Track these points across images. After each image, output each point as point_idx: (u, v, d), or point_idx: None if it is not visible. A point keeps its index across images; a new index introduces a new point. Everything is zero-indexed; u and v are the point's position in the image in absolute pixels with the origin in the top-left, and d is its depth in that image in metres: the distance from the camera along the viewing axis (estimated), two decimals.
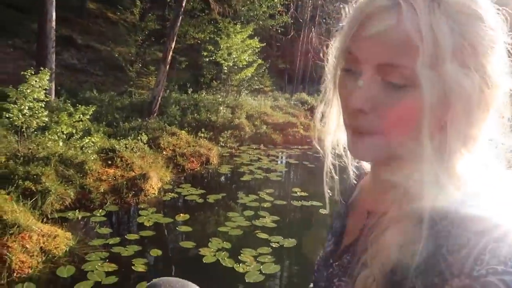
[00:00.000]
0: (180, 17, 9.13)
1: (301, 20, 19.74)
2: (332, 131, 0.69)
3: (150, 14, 11.79)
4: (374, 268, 0.52)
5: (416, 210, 0.50)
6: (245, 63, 11.06)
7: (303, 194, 6.40)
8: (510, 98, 0.54)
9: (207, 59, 11.19)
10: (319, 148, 0.72)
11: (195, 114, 9.87)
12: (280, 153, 9.55)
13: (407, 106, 0.51)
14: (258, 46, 11.46)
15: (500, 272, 0.42)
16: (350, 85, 0.56)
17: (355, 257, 0.60)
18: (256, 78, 13.27)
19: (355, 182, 0.76)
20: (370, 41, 0.52)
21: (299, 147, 10.17)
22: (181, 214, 5.16)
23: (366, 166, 0.77)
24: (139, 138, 7.04)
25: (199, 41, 11.27)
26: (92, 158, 5.67)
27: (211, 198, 5.89)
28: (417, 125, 0.51)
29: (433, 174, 0.50)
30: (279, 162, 8.90)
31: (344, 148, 0.69)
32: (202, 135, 8.81)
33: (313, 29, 20.23)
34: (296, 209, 5.93)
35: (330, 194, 0.76)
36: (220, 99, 10.90)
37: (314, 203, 6.01)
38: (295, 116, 13.16)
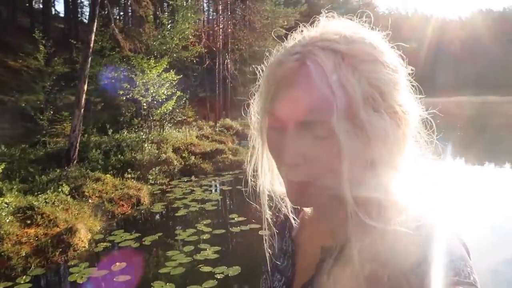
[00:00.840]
0: (90, 58, 8.83)
1: (214, 49, 20.16)
2: (265, 184, 0.70)
3: (56, 58, 11.25)
4: None
5: (374, 238, 0.53)
6: (164, 96, 10.96)
7: (240, 219, 6.41)
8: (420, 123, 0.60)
9: (124, 98, 10.90)
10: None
11: (119, 155, 9.49)
12: (213, 182, 9.51)
13: (333, 154, 0.53)
14: (175, 79, 11.45)
15: (456, 282, 0.47)
16: (279, 142, 0.57)
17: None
18: (177, 110, 13.18)
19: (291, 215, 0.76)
20: (287, 102, 0.55)
21: (230, 172, 10.21)
22: (117, 263, 4.88)
23: None
24: (59, 190, 6.57)
25: (113, 80, 10.95)
26: (8, 220, 5.17)
27: (148, 240, 5.65)
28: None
29: (376, 206, 0.55)
30: (212, 191, 8.84)
31: (282, 198, 0.72)
32: (129, 176, 8.49)
33: (227, 56, 20.77)
34: (236, 236, 5.91)
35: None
36: (143, 136, 10.62)
37: (253, 226, 6.05)
38: (222, 143, 13.27)
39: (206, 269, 4.68)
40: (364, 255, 0.53)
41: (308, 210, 0.74)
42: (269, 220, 0.73)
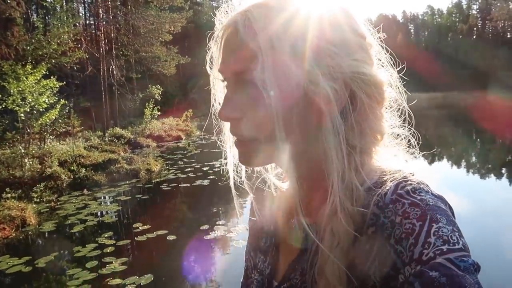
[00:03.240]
0: None
1: (97, 55, 18.95)
2: (228, 148, 0.69)
3: None
4: (333, 281, 0.52)
5: (355, 212, 0.52)
6: (45, 105, 9.93)
7: (145, 227, 6.17)
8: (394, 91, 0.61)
9: None
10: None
11: None
12: (109, 193, 8.93)
13: (266, 109, 0.54)
14: (57, 86, 10.46)
15: (445, 251, 0.44)
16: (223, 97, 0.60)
17: (307, 275, 0.59)
18: (60, 120, 12.06)
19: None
20: (225, 56, 0.58)
21: (127, 182, 9.71)
22: None
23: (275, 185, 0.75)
24: None
25: None
26: None
27: (41, 262, 5.08)
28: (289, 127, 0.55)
29: (347, 174, 0.54)
30: (109, 202, 8.32)
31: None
32: (9, 195, 7.50)
33: (112, 62, 19.70)
34: (143, 244, 5.67)
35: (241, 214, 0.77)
36: (22, 151, 9.47)
37: (160, 232, 5.88)
38: (114, 152, 12.55)
39: (115, 282, 4.41)
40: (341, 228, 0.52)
41: (284, 188, 0.73)
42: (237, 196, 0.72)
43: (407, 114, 0.63)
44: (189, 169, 10.91)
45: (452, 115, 25.63)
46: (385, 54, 0.61)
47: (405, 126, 0.63)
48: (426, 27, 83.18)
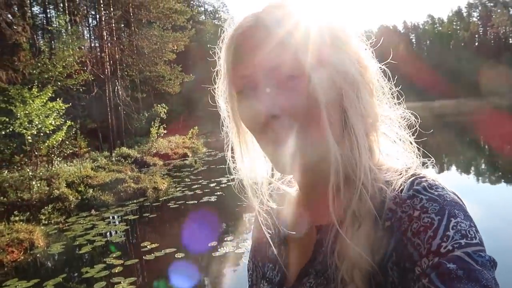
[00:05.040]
0: None
1: (102, 76, 19.19)
2: (249, 168, 0.67)
3: None
4: (356, 280, 0.51)
5: (370, 207, 0.52)
6: (52, 127, 10.01)
7: (153, 245, 6.12)
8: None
9: (3, 132, 9.68)
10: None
11: (1, 197, 8.35)
12: (116, 213, 8.90)
13: (309, 98, 0.54)
14: (63, 108, 10.57)
15: (463, 245, 0.45)
16: (253, 104, 0.56)
17: (322, 277, 0.58)
18: (67, 142, 12.14)
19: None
20: (252, 53, 0.56)
21: (135, 201, 9.70)
22: None
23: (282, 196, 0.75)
24: None
25: None
26: None
27: (49, 285, 5.04)
28: (317, 115, 0.55)
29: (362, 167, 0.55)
30: (117, 222, 8.28)
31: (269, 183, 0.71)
32: (17, 218, 7.51)
33: (117, 83, 19.93)
34: (151, 263, 5.62)
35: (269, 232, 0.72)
36: (30, 174, 9.52)
37: (168, 250, 5.82)
38: (121, 172, 12.57)
39: None
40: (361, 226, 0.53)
41: (292, 193, 0.73)
42: (258, 209, 0.72)
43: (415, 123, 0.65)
44: (196, 186, 10.88)
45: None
46: (369, 47, 0.63)
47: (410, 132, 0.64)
48: (428, 36, 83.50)
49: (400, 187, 0.53)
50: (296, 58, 0.54)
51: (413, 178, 0.54)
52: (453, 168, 11.82)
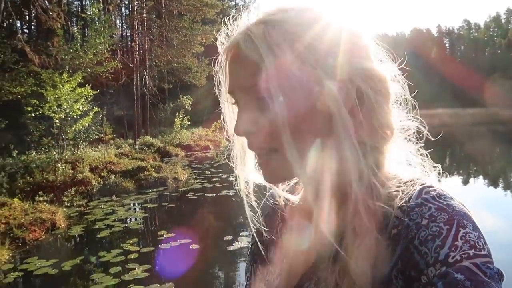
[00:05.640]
0: None
1: (131, 65, 19.53)
2: (244, 171, 0.70)
3: None
4: (358, 282, 0.50)
5: (377, 211, 0.52)
6: (79, 112, 10.27)
7: (170, 235, 6.19)
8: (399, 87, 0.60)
9: (33, 115, 9.99)
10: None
11: (28, 178, 8.63)
12: (136, 200, 9.06)
13: (277, 117, 0.54)
14: (91, 94, 10.81)
15: (472, 256, 0.44)
16: (235, 117, 0.61)
17: (324, 283, 0.57)
18: (94, 127, 12.43)
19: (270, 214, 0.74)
20: (232, 75, 0.59)
21: (154, 190, 9.84)
22: None
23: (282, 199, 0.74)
24: None
25: (19, 96, 9.99)
26: None
27: (67, 265, 5.17)
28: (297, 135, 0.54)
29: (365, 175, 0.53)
30: (136, 209, 8.42)
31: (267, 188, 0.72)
32: (41, 198, 7.73)
33: (145, 73, 20.24)
34: (166, 252, 5.68)
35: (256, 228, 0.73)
36: (56, 156, 9.79)
37: (183, 241, 5.87)
38: (144, 160, 12.78)
39: None
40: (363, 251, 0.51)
41: (295, 201, 0.72)
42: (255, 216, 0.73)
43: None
44: (215, 179, 10.94)
45: None
46: (383, 50, 0.60)
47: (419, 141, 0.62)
48: (462, 41, 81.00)
49: (408, 196, 0.53)
50: (266, 80, 0.54)
51: (421, 187, 0.53)
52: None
